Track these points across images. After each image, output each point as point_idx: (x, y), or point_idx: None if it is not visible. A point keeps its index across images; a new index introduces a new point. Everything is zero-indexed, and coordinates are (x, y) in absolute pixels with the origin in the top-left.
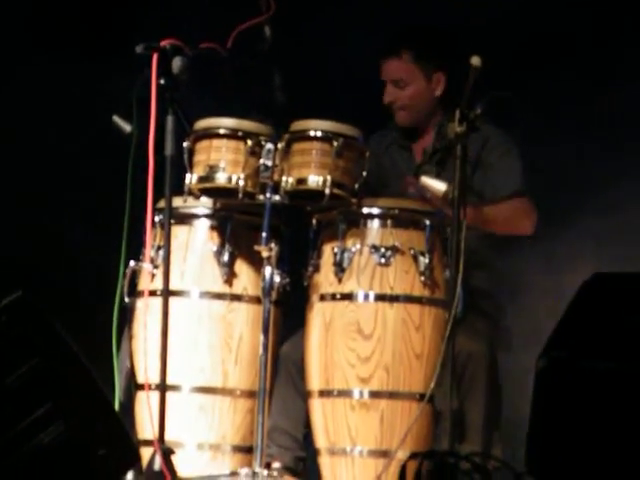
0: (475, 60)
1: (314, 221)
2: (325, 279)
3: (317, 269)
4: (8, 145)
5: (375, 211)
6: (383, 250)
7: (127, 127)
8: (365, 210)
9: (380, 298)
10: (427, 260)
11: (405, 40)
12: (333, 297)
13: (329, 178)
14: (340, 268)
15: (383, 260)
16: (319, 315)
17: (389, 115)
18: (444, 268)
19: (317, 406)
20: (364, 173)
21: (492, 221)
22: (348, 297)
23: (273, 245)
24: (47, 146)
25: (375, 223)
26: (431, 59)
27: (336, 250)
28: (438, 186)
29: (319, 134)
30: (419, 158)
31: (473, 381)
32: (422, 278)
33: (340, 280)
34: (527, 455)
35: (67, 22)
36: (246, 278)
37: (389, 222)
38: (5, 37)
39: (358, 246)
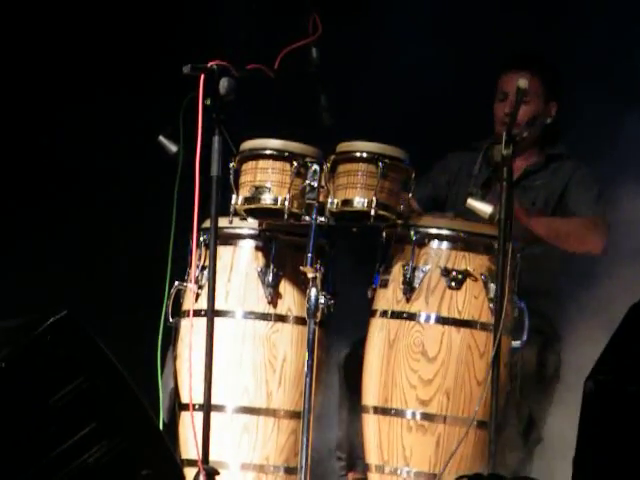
0: (522, 82)
1: (384, 235)
2: (393, 296)
3: (384, 284)
4: (60, 171)
5: (448, 233)
6: (454, 273)
7: (173, 147)
8: (437, 231)
9: (447, 321)
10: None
11: (538, 60)
12: (400, 315)
13: (374, 199)
14: (409, 287)
15: (454, 283)
16: (383, 332)
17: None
18: (513, 296)
19: (372, 422)
20: (410, 194)
21: (564, 235)
22: (414, 317)
23: (318, 266)
24: (97, 168)
25: (448, 245)
26: (553, 86)
27: (407, 268)
28: (484, 209)
29: (365, 155)
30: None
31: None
32: (491, 305)
33: (408, 299)
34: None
35: (116, 42)
36: (290, 299)
37: (461, 245)
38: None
39: (429, 266)
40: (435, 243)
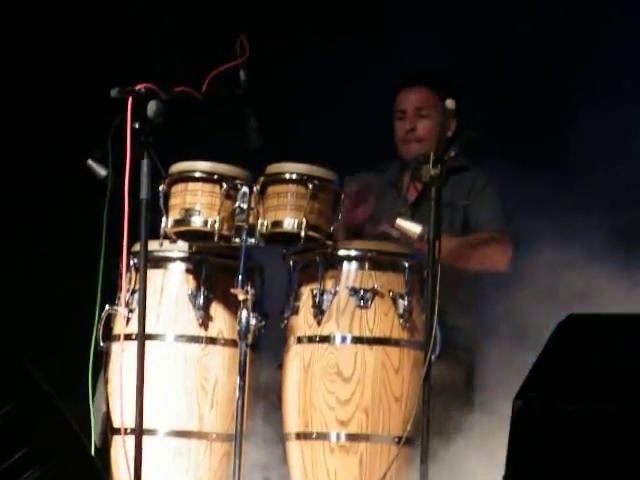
0: (450, 103)
1: (291, 263)
2: (304, 321)
3: (295, 311)
4: None
5: (354, 253)
6: (362, 292)
7: (102, 171)
8: (344, 252)
9: (359, 340)
10: (406, 302)
11: (429, 75)
12: (312, 339)
13: (304, 221)
14: (319, 310)
15: (362, 302)
16: (297, 357)
17: (372, 158)
18: (423, 310)
19: (295, 449)
20: (340, 215)
21: (465, 257)
22: (327, 339)
23: (249, 288)
24: (26, 191)
25: (354, 265)
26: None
27: (315, 292)
28: (413, 228)
29: (294, 177)
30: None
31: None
32: (401, 320)
33: (319, 322)
34: None
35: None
36: (221, 321)
37: (368, 264)
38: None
39: (337, 288)
40: (341, 264)
